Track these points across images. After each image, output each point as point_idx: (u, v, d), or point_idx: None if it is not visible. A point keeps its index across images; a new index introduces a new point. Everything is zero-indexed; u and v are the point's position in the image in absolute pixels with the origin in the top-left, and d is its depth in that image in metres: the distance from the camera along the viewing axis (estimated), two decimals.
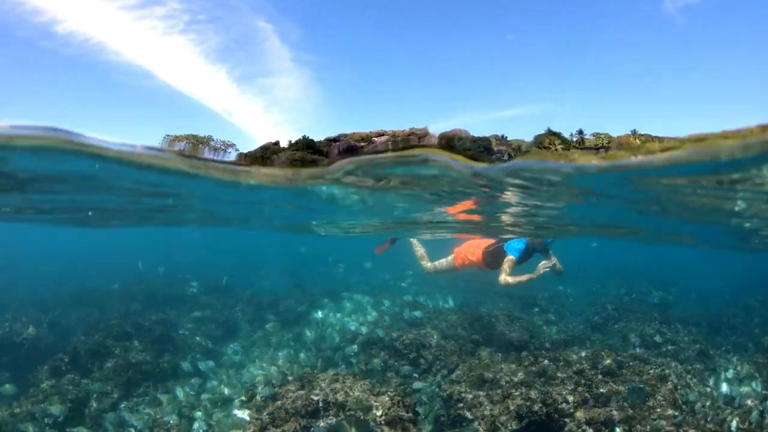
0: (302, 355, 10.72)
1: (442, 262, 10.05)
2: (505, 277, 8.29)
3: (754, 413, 6.61)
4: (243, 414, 7.08)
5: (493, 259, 9.11)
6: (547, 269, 8.11)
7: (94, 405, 8.37)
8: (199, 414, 7.88)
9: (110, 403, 8.50)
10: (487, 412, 6.93)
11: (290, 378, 7.91)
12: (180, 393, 8.67)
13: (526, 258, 8.83)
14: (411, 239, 11.10)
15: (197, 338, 11.79)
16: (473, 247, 9.56)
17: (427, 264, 10.28)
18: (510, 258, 8.53)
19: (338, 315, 13.79)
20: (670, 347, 11.00)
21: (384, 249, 11.36)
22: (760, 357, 9.81)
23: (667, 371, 8.41)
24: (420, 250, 10.63)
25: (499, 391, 7.37)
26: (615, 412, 6.73)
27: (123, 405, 8.58)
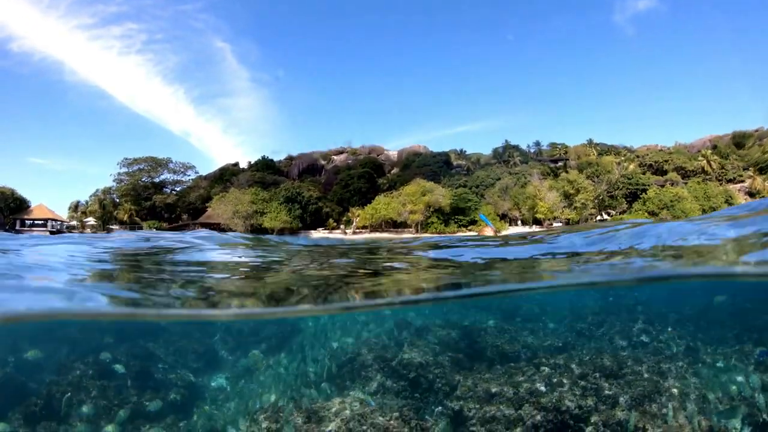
0: (294, 380, 10.30)
1: None
2: None
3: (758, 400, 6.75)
4: None
5: None
6: None
7: None
8: None
9: None
10: (501, 427, 6.78)
11: (292, 407, 7.54)
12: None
13: None
14: None
15: (179, 371, 11.14)
16: None
17: None
18: None
19: (326, 335, 13.37)
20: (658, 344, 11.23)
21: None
22: (745, 347, 10.08)
23: (663, 367, 8.55)
24: None
25: (509, 403, 7.24)
26: (626, 412, 6.72)
27: None
